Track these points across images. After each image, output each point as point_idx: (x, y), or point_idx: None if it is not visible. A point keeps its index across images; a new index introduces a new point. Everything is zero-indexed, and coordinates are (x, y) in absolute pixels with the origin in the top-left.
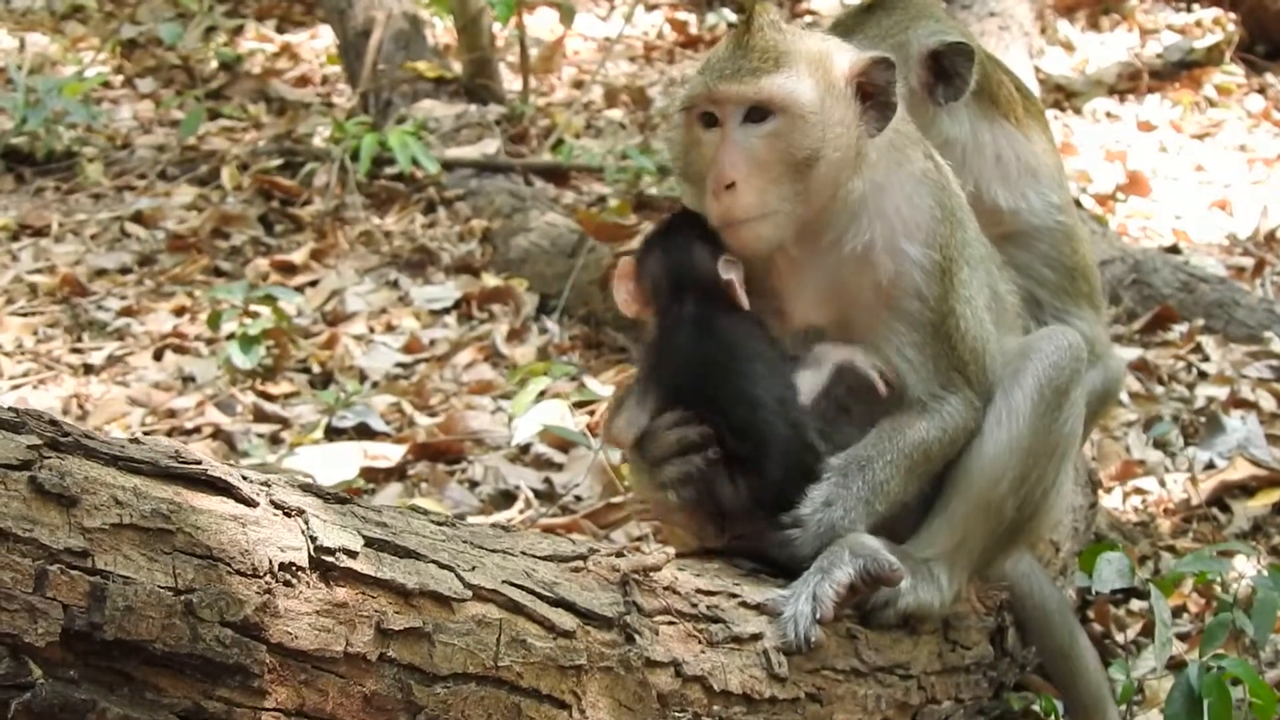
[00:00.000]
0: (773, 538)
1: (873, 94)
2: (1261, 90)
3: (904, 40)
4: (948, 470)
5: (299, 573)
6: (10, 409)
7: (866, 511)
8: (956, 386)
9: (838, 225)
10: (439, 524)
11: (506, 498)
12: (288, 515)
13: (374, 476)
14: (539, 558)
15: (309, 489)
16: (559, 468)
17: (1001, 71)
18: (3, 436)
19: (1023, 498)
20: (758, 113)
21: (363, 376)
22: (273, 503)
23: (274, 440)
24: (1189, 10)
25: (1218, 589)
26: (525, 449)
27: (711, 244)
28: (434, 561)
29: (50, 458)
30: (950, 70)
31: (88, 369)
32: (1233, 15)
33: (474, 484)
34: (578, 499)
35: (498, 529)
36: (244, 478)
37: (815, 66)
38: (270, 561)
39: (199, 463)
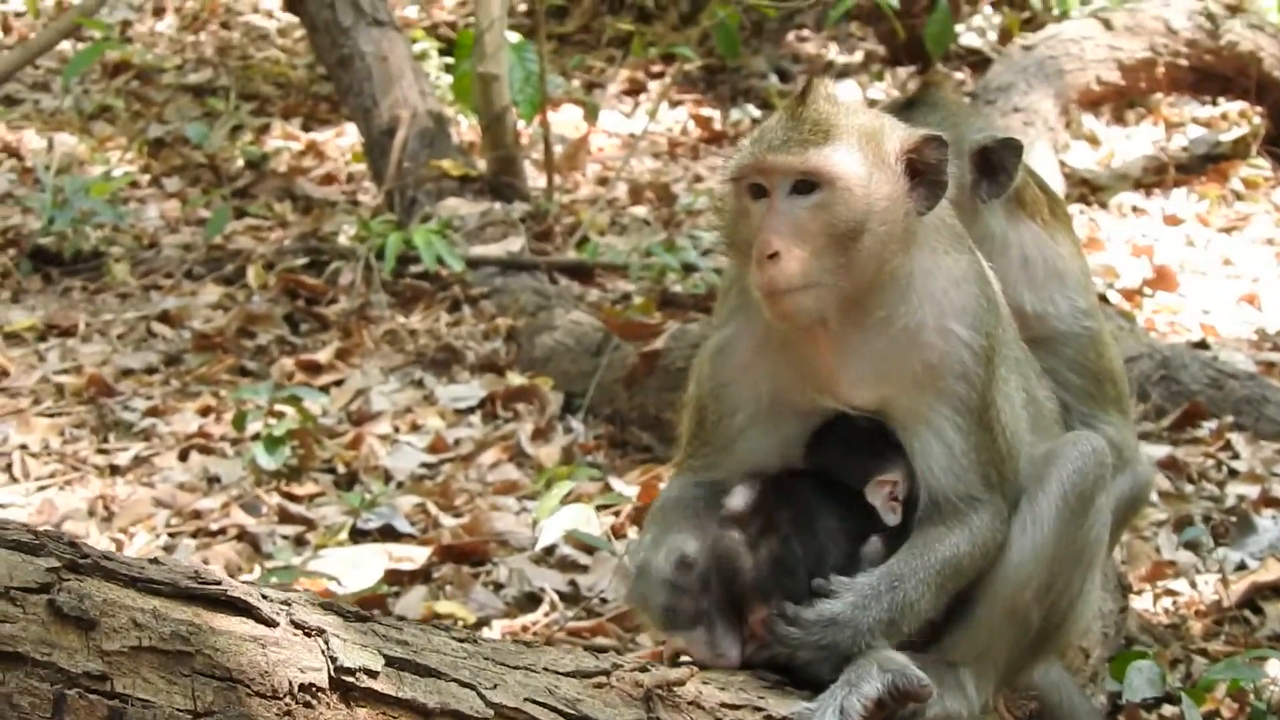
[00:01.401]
0: (795, 654)
1: (923, 172)
2: None
3: (956, 136)
4: (974, 580)
5: (319, 694)
6: (29, 530)
7: (891, 632)
8: (991, 486)
9: (885, 302)
10: (460, 640)
11: (531, 600)
12: (308, 635)
13: (398, 579)
14: (561, 674)
15: (329, 607)
16: (584, 569)
17: (1027, 173)
18: (21, 559)
19: (1049, 606)
20: (805, 184)
21: (388, 477)
22: (293, 622)
23: (299, 542)
24: (1214, 104)
25: (1251, 696)
26: (550, 550)
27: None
28: (455, 680)
29: (69, 580)
30: (998, 167)
31: (114, 470)
32: (1259, 109)
33: (499, 586)
34: (603, 600)
35: (519, 644)
36: (264, 596)
37: (866, 140)
38: (290, 683)
39: (219, 583)
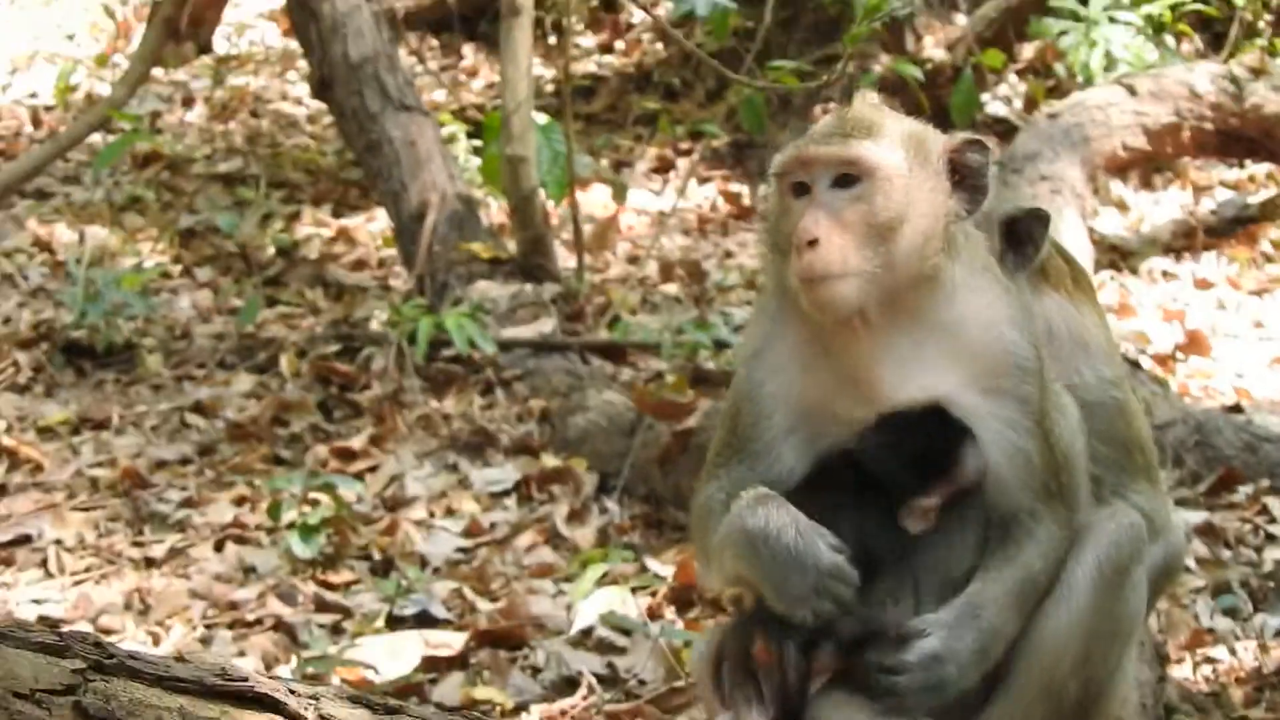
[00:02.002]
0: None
1: (965, 175)
2: None
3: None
4: (1009, 651)
5: None
6: (54, 631)
7: (983, 661)
8: (1051, 495)
9: (927, 302)
10: None
11: (569, 684)
12: None
13: (435, 666)
14: None
15: (359, 699)
16: (622, 651)
17: (1051, 244)
18: (46, 661)
19: (1085, 680)
20: (847, 178)
21: (423, 562)
22: (321, 716)
23: (335, 630)
24: (1241, 166)
25: None
26: (587, 633)
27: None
28: None
29: (95, 680)
30: (1024, 238)
31: (149, 562)
32: None
33: (536, 670)
34: (641, 683)
35: None
36: (291, 691)
37: (908, 139)
38: None
39: (245, 679)
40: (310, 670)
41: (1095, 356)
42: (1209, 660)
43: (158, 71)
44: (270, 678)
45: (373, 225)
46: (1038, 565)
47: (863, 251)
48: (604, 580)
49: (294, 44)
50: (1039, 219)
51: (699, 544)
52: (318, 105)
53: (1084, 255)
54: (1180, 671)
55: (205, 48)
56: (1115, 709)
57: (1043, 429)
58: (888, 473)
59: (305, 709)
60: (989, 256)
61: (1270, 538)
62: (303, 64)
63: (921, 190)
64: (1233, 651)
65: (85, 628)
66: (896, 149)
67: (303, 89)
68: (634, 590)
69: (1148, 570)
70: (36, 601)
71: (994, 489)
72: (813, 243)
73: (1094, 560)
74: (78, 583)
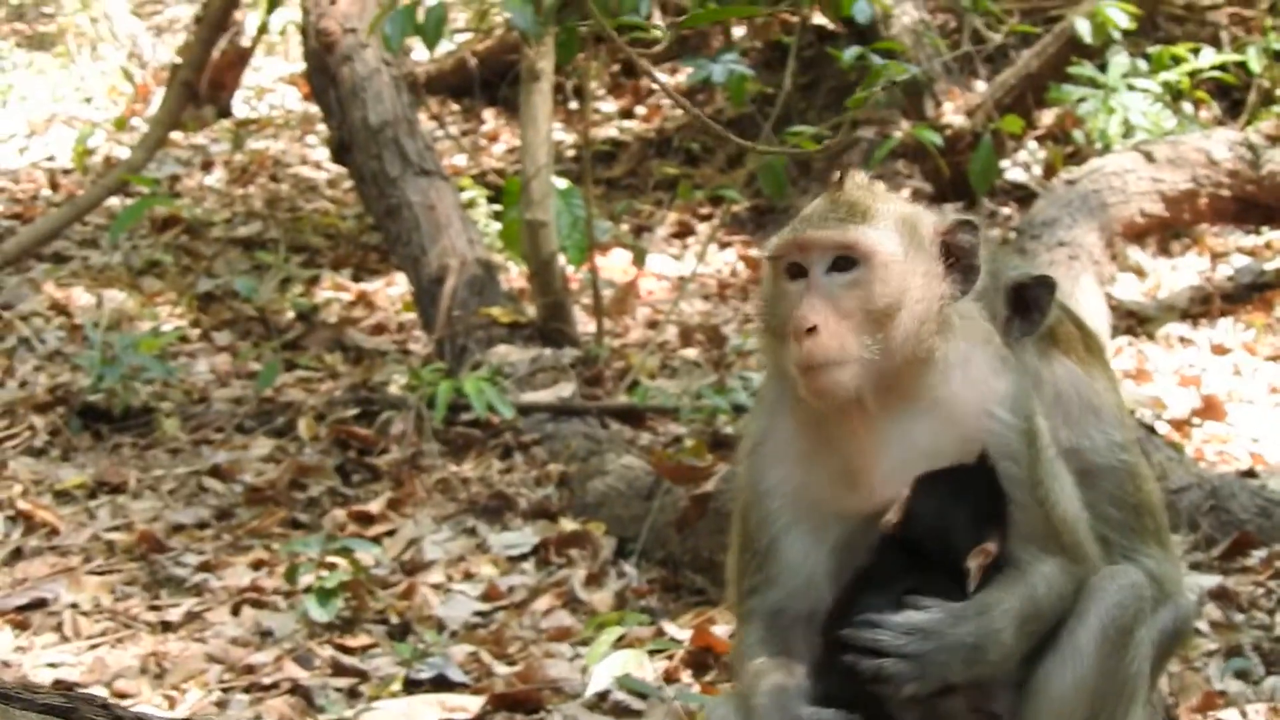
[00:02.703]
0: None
1: (957, 256)
2: None
3: (993, 270)
4: (1016, 714)
5: None
6: (62, 694)
7: (976, 658)
8: (1052, 553)
9: (923, 386)
10: None
11: None
12: None
13: None
14: None
15: None
16: (638, 715)
17: (1061, 310)
18: None
19: None
20: (844, 262)
21: (441, 626)
22: None
23: (352, 694)
24: (1258, 233)
25: None
26: (604, 696)
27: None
28: None
29: None
30: (1031, 304)
31: (165, 626)
32: None
33: None
34: None
35: None
36: None
37: (902, 222)
38: None
39: None
40: None
41: (1105, 421)
42: None
43: (177, 135)
44: None
45: (392, 290)
46: (1042, 589)
47: (861, 337)
48: (620, 643)
49: (314, 108)
50: (1046, 285)
51: (737, 680)
52: (337, 169)
53: (1101, 321)
54: None
55: (225, 111)
56: None
57: (1039, 497)
58: (940, 533)
59: None
60: (988, 331)
61: None
62: (322, 128)
63: (916, 274)
64: (1244, 714)
65: (101, 692)
66: (892, 233)
67: (322, 153)
68: (651, 654)
69: (1156, 633)
70: (52, 665)
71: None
72: (811, 330)
73: (1098, 622)
74: (93, 646)
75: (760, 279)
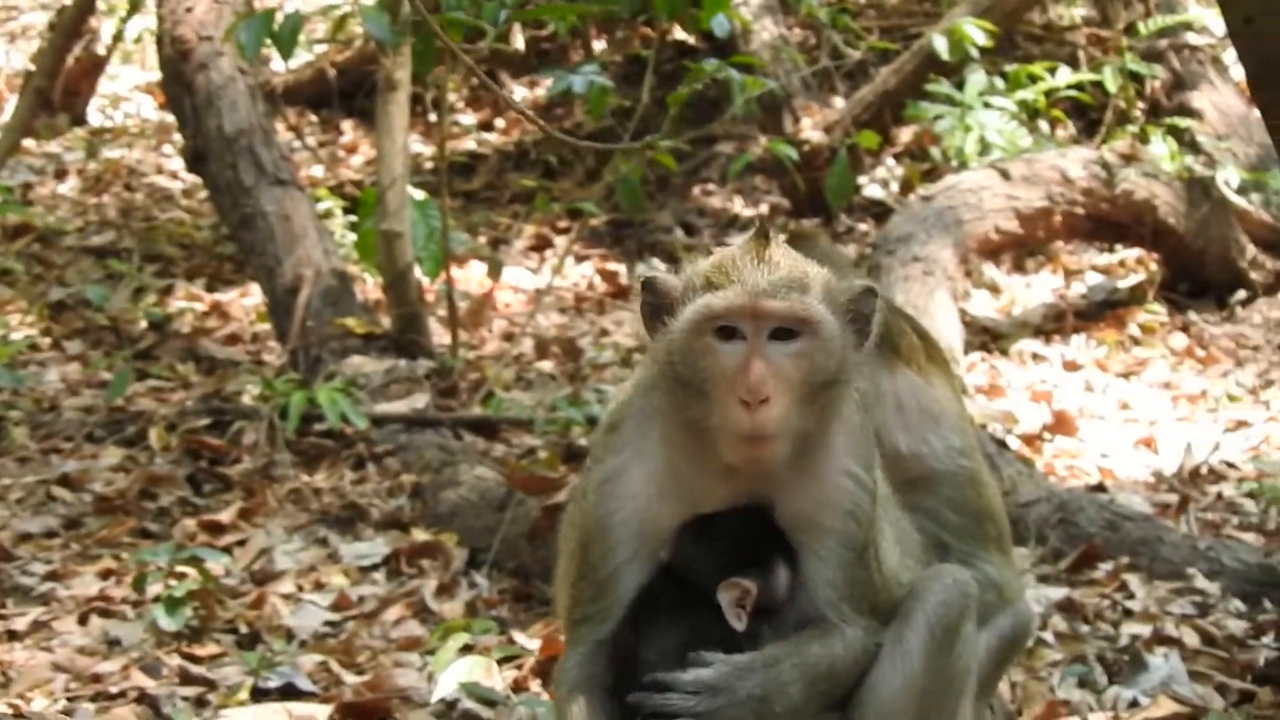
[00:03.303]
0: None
1: (857, 321)
2: (1184, 328)
3: None
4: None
5: None
6: None
7: (763, 711)
8: (863, 613)
9: (813, 448)
10: None
11: None
12: None
13: None
14: None
15: None
16: None
17: (904, 320)
18: None
19: None
20: (785, 331)
21: (290, 635)
22: None
23: (200, 703)
24: (1112, 251)
25: None
26: (452, 705)
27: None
28: None
29: None
30: (863, 315)
31: (11, 635)
32: (1155, 255)
33: None
34: None
35: None
36: None
37: (827, 290)
38: None
39: None
40: None
41: (945, 427)
42: None
43: (29, 143)
44: None
45: (246, 300)
46: (839, 652)
47: (800, 409)
48: (467, 651)
49: (169, 116)
50: (871, 293)
51: (555, 704)
52: (193, 179)
53: (955, 337)
54: None
55: (79, 119)
56: None
57: (866, 560)
58: (696, 570)
59: None
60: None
61: (1128, 613)
62: (178, 137)
63: (846, 342)
64: None
65: None
66: (826, 303)
67: (178, 163)
68: (501, 663)
69: (996, 639)
70: None
71: (811, 603)
72: (764, 401)
73: (924, 621)
74: None
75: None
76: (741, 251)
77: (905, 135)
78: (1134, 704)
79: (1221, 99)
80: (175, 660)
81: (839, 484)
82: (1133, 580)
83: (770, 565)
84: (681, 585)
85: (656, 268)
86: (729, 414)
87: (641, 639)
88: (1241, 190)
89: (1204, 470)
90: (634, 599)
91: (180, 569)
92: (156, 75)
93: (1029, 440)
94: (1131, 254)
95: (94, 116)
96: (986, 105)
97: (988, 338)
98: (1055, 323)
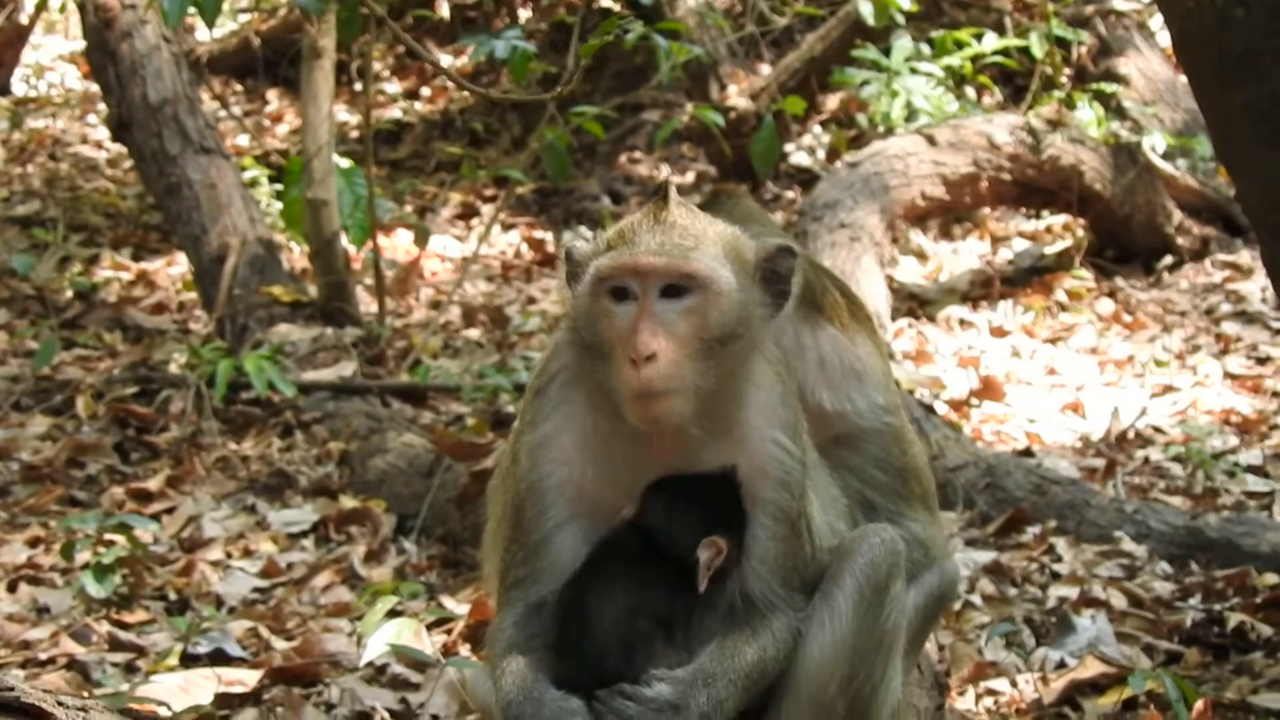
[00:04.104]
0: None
1: (772, 280)
2: (1111, 294)
3: None
4: (777, 678)
5: None
6: None
7: None
8: (792, 588)
9: (726, 409)
10: None
11: (363, 719)
12: None
13: (229, 702)
14: None
15: (127, 712)
16: (415, 687)
17: (827, 278)
18: None
19: (852, 697)
20: (675, 288)
21: (219, 602)
22: None
23: (129, 669)
24: (1039, 217)
25: None
26: (381, 670)
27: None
28: None
29: None
30: (780, 274)
31: None
32: (1081, 221)
33: (330, 706)
34: (434, 717)
35: None
36: (60, 703)
37: (729, 248)
38: None
39: (11, 689)
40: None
41: (869, 385)
42: (991, 693)
43: None
44: (40, 689)
45: (173, 269)
46: (770, 654)
47: (694, 365)
48: (395, 615)
49: (94, 87)
50: (788, 252)
51: (489, 665)
52: (118, 149)
53: (882, 303)
54: (963, 703)
55: (3, 89)
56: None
57: (799, 529)
58: (668, 528)
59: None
60: (775, 353)
61: (1055, 576)
62: (103, 107)
63: (746, 299)
64: (1014, 684)
65: None
66: (723, 260)
67: (103, 132)
68: (430, 628)
69: (923, 597)
70: None
71: (746, 577)
72: (650, 357)
73: (853, 581)
74: None
75: (543, 262)
76: (642, 214)
77: (832, 102)
78: (1061, 665)
79: (1148, 65)
80: (104, 627)
81: (769, 453)
82: (1060, 543)
83: (736, 527)
84: (630, 544)
85: (584, 236)
86: (622, 373)
87: (590, 598)
88: (1168, 156)
89: (1131, 435)
90: (584, 559)
91: (109, 536)
92: (80, 44)
93: (956, 405)
94: (1058, 220)
95: (18, 86)
96: (913, 71)
97: (915, 304)
98: (982, 289)
